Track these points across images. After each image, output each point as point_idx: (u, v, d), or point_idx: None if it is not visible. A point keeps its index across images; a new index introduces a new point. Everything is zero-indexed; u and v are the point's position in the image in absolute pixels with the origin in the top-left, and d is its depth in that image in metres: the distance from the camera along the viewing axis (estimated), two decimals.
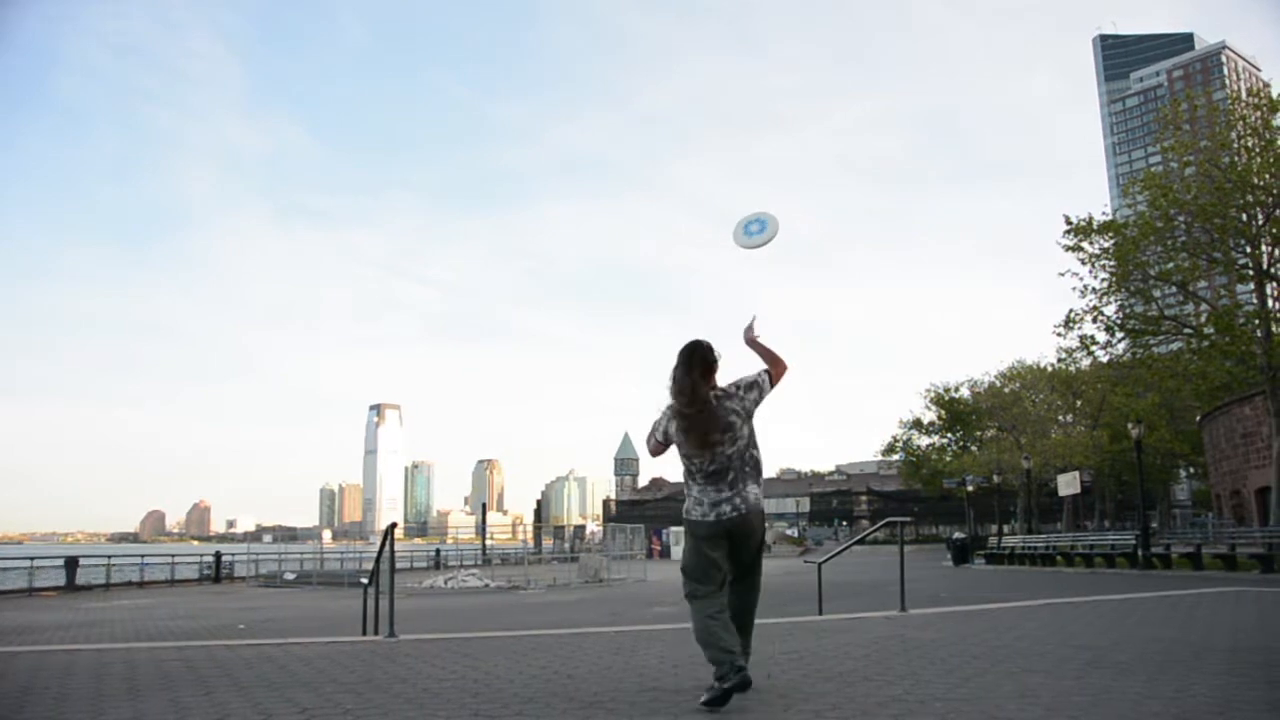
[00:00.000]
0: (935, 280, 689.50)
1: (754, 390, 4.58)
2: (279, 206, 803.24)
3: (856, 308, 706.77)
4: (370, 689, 4.93)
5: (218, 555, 35.95)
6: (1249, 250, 27.62)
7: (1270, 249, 27.53)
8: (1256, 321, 27.33)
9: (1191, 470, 63.65)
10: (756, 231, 5.11)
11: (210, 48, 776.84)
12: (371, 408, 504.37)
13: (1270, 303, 28.21)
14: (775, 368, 4.66)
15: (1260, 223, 27.08)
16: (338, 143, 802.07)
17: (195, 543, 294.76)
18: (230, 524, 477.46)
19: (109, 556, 33.07)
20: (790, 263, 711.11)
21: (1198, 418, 42.96)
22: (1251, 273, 27.71)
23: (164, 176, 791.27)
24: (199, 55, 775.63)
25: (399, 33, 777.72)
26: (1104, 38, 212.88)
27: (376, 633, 8.80)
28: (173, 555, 37.14)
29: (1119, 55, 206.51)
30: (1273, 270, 27.47)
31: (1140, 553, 25.56)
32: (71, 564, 29.27)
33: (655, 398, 4.57)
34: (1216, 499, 41.72)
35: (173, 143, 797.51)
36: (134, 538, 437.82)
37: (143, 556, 35.50)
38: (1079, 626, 8.15)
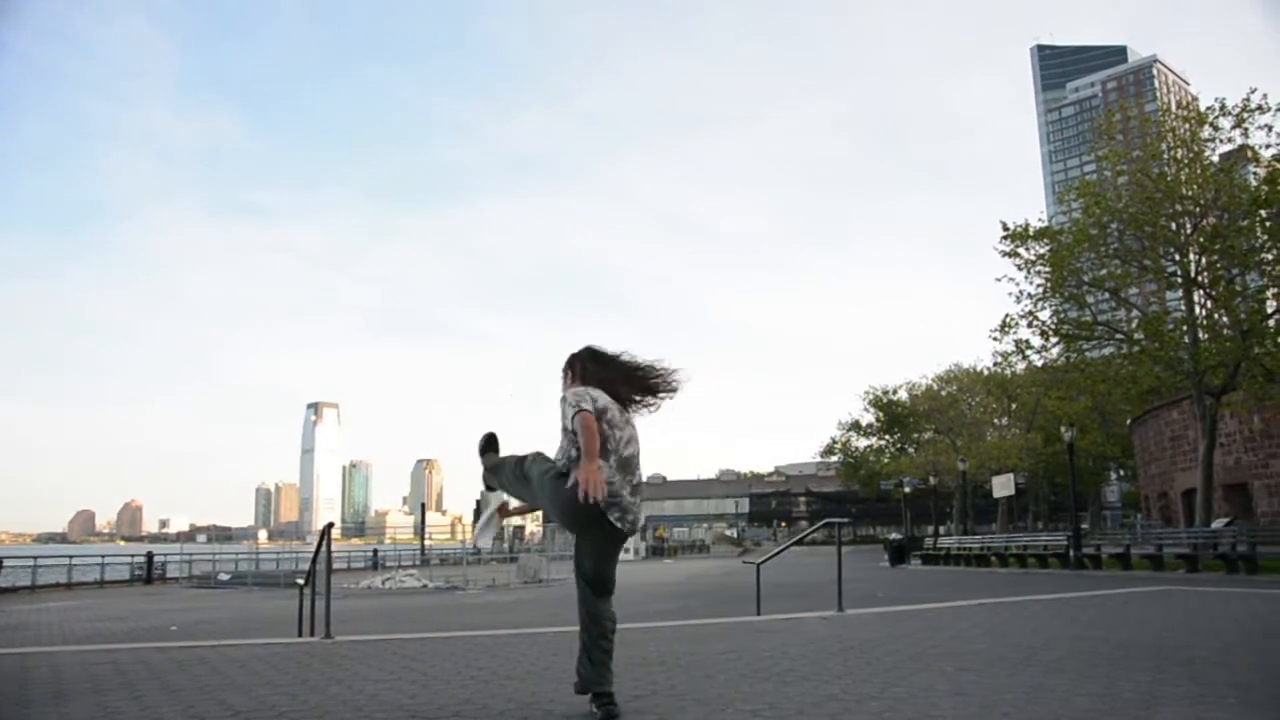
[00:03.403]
0: (874, 282, 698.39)
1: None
2: (214, 201, 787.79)
3: (796, 308, 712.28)
4: (305, 691, 4.87)
5: (149, 556, 35.22)
6: (1178, 258, 28.30)
7: (1197, 257, 28.25)
8: (1184, 328, 28.00)
9: (1121, 472, 65.17)
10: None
11: (143, 35, 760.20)
12: (309, 406, 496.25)
13: (1197, 309, 28.91)
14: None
15: (1188, 232, 27.78)
16: (275, 137, 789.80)
17: (123, 543, 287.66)
18: (163, 524, 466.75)
19: (34, 557, 32.18)
20: (731, 264, 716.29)
21: (1128, 421, 43.94)
22: (1180, 280, 28.40)
23: (92, 166, 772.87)
24: (130, 42, 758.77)
25: (340, 25, 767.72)
26: (1041, 48, 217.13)
27: (313, 634, 8.68)
28: (102, 556, 36.23)
29: (1056, 65, 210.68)
30: (1200, 278, 28.21)
31: (1072, 553, 26.06)
32: None
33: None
34: (1145, 500, 42.70)
35: (102, 132, 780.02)
36: (62, 538, 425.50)
37: (70, 557, 34.64)
38: (1012, 626, 8.30)
